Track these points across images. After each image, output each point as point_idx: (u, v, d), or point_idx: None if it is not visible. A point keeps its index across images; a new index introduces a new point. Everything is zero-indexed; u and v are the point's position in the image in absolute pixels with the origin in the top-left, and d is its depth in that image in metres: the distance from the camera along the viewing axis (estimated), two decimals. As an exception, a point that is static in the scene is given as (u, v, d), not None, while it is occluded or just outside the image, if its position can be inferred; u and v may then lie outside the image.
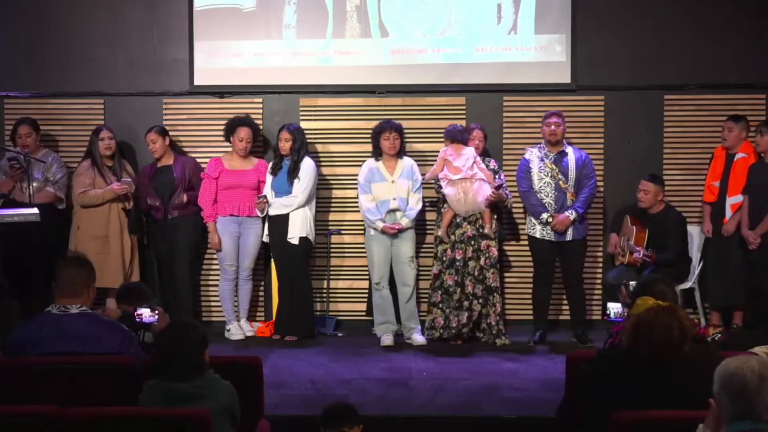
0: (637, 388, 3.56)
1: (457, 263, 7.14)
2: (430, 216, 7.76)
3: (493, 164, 7.33)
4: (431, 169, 7.29)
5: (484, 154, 7.43)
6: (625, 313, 4.39)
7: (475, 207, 7.11)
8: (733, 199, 7.22)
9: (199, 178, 7.53)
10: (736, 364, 2.87)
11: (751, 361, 2.88)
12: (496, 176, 7.26)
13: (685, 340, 3.60)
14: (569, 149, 7.28)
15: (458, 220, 7.17)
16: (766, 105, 7.81)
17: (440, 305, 7.19)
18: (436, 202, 7.48)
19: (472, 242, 7.15)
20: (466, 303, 7.11)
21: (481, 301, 7.13)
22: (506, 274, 7.77)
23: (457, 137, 7.17)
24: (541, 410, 5.45)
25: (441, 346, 7.13)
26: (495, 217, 7.25)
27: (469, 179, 7.08)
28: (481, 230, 7.16)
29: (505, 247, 7.76)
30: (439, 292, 7.20)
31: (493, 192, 7.07)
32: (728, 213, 7.23)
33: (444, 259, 7.19)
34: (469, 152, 7.14)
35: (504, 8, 7.83)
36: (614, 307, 4.65)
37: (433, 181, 7.33)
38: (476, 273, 7.13)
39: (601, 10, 7.86)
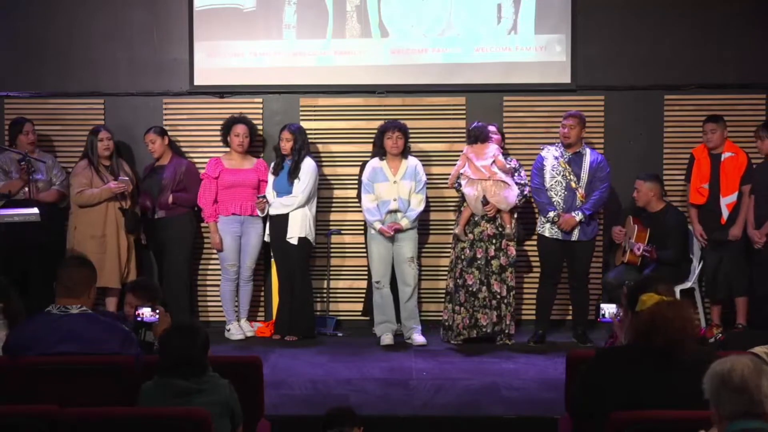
0: (639, 386, 3.55)
1: (478, 261, 7.11)
2: (435, 216, 7.77)
3: (513, 163, 7.31)
4: (453, 169, 7.27)
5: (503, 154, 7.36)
6: (621, 314, 4.35)
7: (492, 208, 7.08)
8: (728, 199, 7.21)
9: (192, 180, 7.54)
10: (731, 361, 2.89)
11: (743, 358, 2.91)
12: (516, 174, 7.25)
13: (695, 332, 3.69)
14: (587, 151, 7.26)
15: (476, 219, 7.15)
16: (766, 105, 7.81)
17: (466, 305, 7.13)
18: (456, 202, 7.43)
19: (494, 241, 7.13)
20: (494, 302, 7.08)
21: (505, 300, 7.12)
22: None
23: (479, 137, 7.14)
24: (541, 410, 5.47)
25: (440, 346, 7.12)
26: (515, 217, 7.24)
27: (488, 179, 7.07)
28: (501, 230, 7.14)
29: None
30: (462, 291, 7.14)
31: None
32: (725, 213, 7.22)
33: (463, 257, 7.16)
34: (491, 151, 7.11)
35: (504, 8, 7.83)
36: (609, 308, 4.62)
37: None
38: (500, 272, 7.11)
39: (601, 10, 7.86)
